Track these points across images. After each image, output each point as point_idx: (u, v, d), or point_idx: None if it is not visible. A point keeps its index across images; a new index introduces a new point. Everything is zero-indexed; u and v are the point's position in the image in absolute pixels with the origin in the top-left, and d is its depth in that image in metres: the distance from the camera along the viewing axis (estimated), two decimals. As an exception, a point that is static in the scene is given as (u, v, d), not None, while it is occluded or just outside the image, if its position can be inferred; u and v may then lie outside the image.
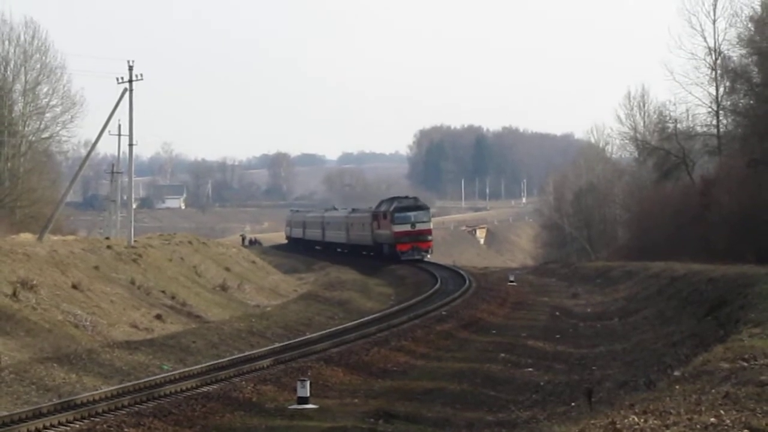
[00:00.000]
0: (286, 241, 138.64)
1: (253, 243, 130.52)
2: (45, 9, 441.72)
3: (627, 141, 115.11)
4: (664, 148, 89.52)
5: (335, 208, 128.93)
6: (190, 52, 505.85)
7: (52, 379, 33.84)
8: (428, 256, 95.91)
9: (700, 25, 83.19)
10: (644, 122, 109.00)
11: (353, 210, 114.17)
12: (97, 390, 31.91)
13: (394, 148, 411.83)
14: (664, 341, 39.51)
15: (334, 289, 72.39)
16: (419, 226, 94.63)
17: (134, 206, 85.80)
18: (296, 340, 45.54)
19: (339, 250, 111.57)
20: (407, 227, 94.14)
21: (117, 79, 72.29)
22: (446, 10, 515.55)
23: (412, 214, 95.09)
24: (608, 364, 37.27)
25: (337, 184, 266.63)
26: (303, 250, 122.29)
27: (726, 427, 13.66)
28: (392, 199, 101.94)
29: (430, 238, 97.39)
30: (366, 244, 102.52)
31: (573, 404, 28.50)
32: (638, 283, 64.29)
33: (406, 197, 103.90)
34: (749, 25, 76.12)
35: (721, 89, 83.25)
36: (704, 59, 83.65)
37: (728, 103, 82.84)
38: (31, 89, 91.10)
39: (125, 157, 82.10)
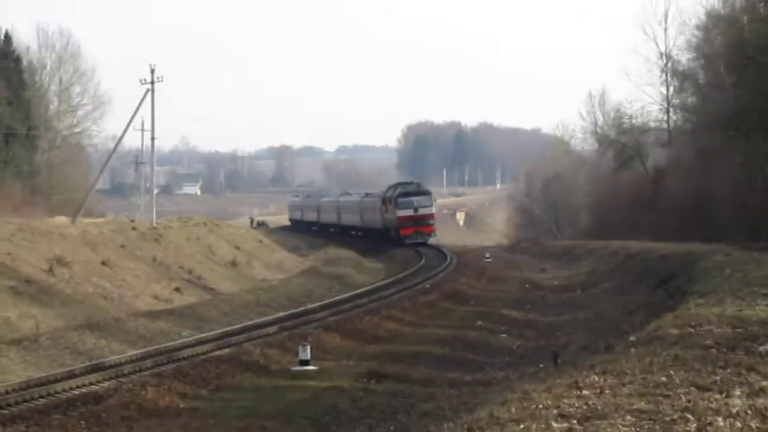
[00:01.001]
0: (289, 223, 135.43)
1: (261, 225, 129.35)
2: (77, 16, 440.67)
3: (588, 135, 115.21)
4: (621, 141, 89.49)
5: (349, 193, 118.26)
6: (205, 56, 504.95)
7: (83, 344, 33.87)
8: (431, 239, 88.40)
9: (653, 32, 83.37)
10: (603, 118, 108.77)
11: (366, 195, 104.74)
12: (123, 354, 31.95)
13: (384, 141, 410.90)
14: (621, 310, 39.54)
15: (331, 265, 72.30)
16: (422, 211, 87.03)
17: (155, 192, 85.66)
18: (298, 309, 45.54)
19: (353, 233, 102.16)
20: (410, 212, 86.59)
21: (140, 81, 72.23)
22: (430, 20, 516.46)
23: (414, 199, 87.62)
24: (572, 330, 37.30)
25: (334, 172, 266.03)
26: (318, 232, 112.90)
27: (675, 385, 13.68)
28: (397, 185, 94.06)
29: (432, 222, 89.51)
30: (377, 228, 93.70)
31: (541, 366, 28.49)
32: (598, 260, 64.34)
33: (410, 183, 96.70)
34: (696, 33, 76.33)
35: (671, 89, 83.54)
36: (656, 62, 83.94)
37: (677, 101, 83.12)
38: (65, 90, 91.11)
39: (148, 150, 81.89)
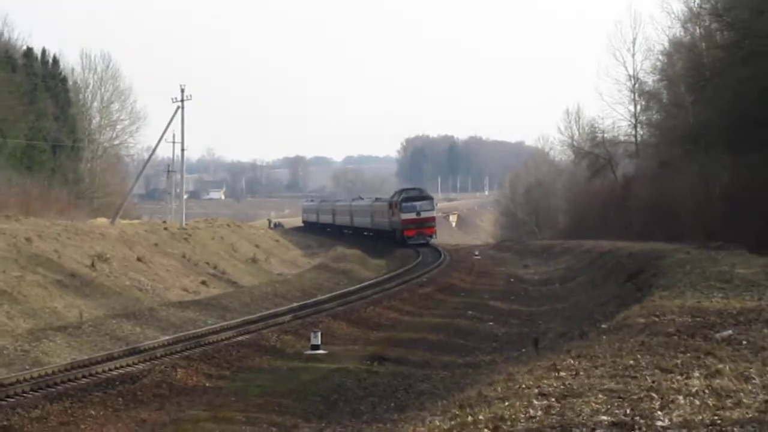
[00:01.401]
0: (302, 225, 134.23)
1: (277, 226, 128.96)
2: (116, 39, 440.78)
3: (566, 147, 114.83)
4: (594, 152, 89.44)
5: (361, 198, 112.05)
6: (229, 76, 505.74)
7: (121, 331, 33.89)
8: (432, 240, 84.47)
9: (623, 57, 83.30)
10: (579, 133, 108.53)
11: (376, 199, 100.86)
12: (156, 339, 31.96)
13: (386, 152, 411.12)
14: (594, 301, 39.51)
15: (339, 262, 72.21)
16: (424, 214, 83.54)
17: (185, 197, 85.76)
18: (310, 300, 45.52)
19: (365, 233, 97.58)
20: (413, 215, 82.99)
21: (172, 99, 72.58)
22: (428, 47, 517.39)
23: (417, 203, 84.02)
24: (551, 319, 37.29)
25: (342, 180, 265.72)
26: (329, 233, 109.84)
27: (641, 368, 13.67)
28: (402, 191, 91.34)
29: (433, 224, 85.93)
30: (385, 230, 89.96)
31: (523, 350, 28.50)
32: (574, 257, 64.26)
33: (414, 188, 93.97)
34: (660, 58, 76.46)
35: (639, 107, 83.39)
36: (625, 84, 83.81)
37: (644, 118, 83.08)
38: (106, 107, 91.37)
39: (178, 159, 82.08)
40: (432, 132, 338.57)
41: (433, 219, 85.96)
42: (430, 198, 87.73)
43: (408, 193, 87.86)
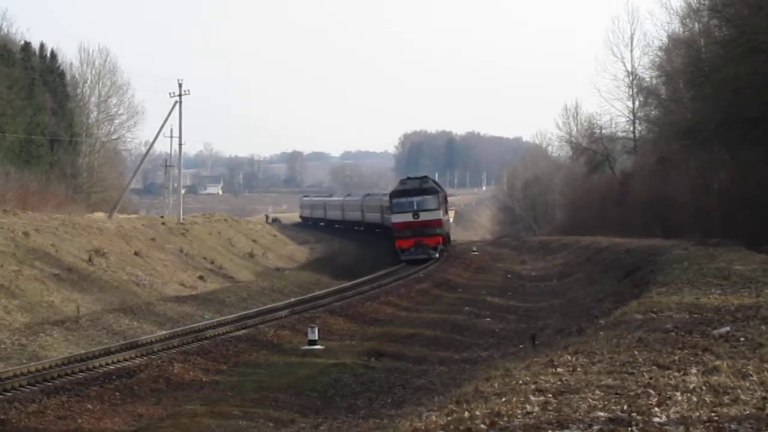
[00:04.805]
0: (300, 220, 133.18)
1: (275, 221, 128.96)
2: (115, 34, 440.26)
3: (564, 143, 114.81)
4: (592, 148, 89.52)
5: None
6: (227, 71, 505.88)
7: (118, 325, 33.88)
8: (437, 255, 60.38)
9: (621, 53, 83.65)
10: (577, 128, 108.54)
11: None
12: (153, 334, 31.94)
13: (384, 147, 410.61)
14: (591, 298, 39.50)
15: (336, 257, 72.26)
16: (424, 216, 59.41)
17: (182, 192, 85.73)
18: (307, 295, 45.53)
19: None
20: (408, 217, 59.35)
21: (169, 94, 72.53)
22: (426, 43, 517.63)
23: (415, 199, 59.80)
24: (548, 315, 37.27)
25: (340, 175, 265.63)
26: (324, 228, 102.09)
27: (638, 364, 13.65)
28: (404, 180, 65.52)
29: (438, 230, 60.44)
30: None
31: (521, 346, 28.47)
32: (572, 253, 64.27)
33: (415, 178, 64.79)
34: (659, 53, 76.43)
35: (637, 103, 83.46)
36: (623, 80, 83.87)
37: (642, 114, 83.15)
38: (104, 101, 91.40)
39: (176, 154, 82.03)
40: (430, 127, 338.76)
41: (438, 222, 60.90)
42: (434, 191, 61.51)
43: (404, 184, 63.05)
